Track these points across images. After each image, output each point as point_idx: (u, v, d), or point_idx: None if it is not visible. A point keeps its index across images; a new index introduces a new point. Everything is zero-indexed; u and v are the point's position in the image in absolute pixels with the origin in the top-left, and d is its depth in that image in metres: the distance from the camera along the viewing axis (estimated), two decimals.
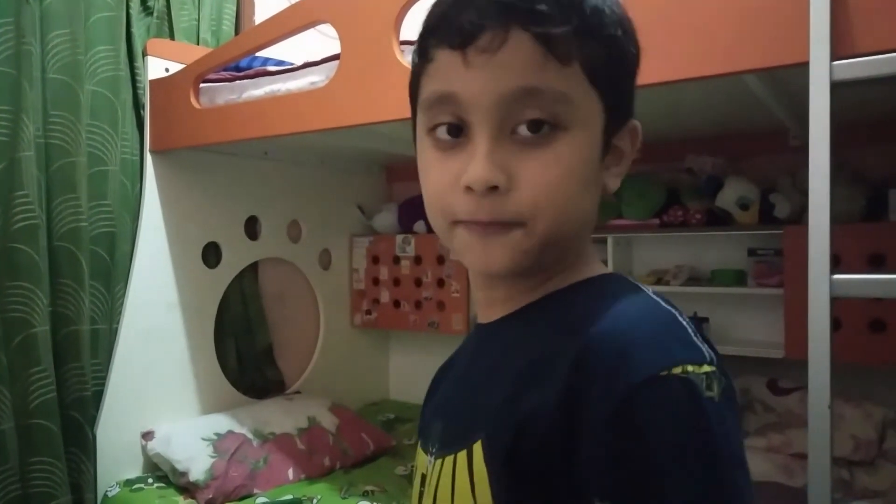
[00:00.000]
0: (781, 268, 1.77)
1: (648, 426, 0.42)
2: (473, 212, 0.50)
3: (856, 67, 0.92)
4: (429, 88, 0.52)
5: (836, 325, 1.63)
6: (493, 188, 0.49)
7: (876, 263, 1.61)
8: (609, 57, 0.51)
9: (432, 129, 0.53)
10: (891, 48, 0.93)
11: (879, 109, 1.62)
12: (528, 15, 0.48)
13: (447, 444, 0.55)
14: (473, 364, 0.60)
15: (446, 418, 0.58)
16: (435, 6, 0.53)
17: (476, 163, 0.49)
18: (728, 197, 1.83)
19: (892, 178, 1.70)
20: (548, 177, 0.49)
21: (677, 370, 0.43)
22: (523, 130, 0.49)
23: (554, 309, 0.54)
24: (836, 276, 0.90)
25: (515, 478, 0.47)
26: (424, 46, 0.53)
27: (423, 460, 0.60)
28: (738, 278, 1.93)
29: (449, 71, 0.50)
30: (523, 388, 0.49)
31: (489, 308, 0.59)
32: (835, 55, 0.93)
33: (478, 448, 0.50)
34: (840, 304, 1.63)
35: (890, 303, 1.60)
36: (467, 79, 0.49)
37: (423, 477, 0.59)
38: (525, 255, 0.51)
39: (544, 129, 0.49)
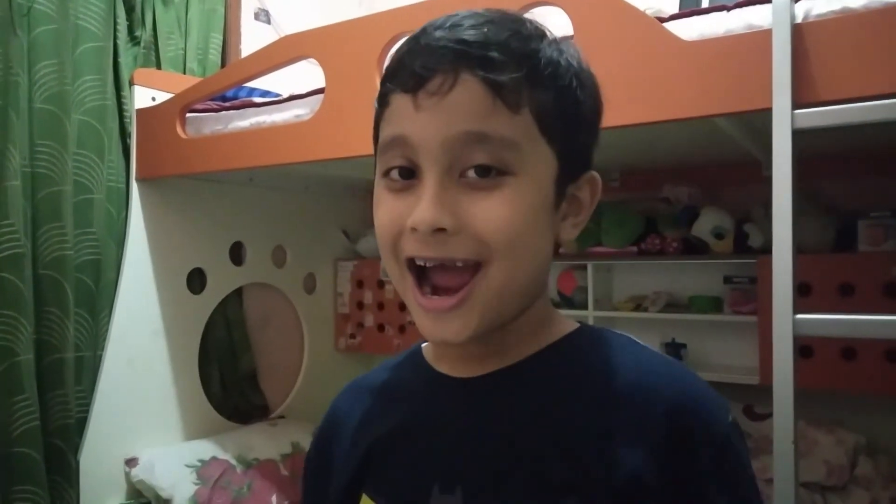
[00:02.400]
0: (756, 295, 1.81)
1: (740, 461, 0.53)
2: (420, 250, 0.51)
3: (816, 116, 0.97)
4: (384, 132, 0.54)
5: (808, 352, 1.68)
6: (440, 230, 0.50)
7: (846, 293, 1.65)
8: (561, 106, 0.53)
9: (386, 174, 0.54)
10: (851, 97, 0.97)
11: (850, 142, 1.67)
12: (478, 60, 0.50)
13: None
14: (481, 420, 0.56)
15: (469, 483, 0.54)
16: (395, 53, 0.55)
17: (422, 204, 0.50)
18: (703, 226, 1.88)
19: (862, 210, 1.75)
20: (496, 217, 0.50)
21: (731, 417, 0.55)
22: (471, 174, 0.51)
23: (567, 366, 0.56)
24: (799, 316, 0.94)
25: None
26: (383, 92, 0.55)
27: None
28: (715, 305, 1.97)
29: (401, 114, 0.52)
30: (611, 450, 0.50)
31: (461, 362, 0.59)
32: (797, 103, 0.98)
33: None
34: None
35: None
36: (417, 121, 0.51)
37: None
38: (480, 321, 0.52)
39: (492, 173, 0.51)
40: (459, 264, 0.52)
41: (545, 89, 0.52)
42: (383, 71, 0.56)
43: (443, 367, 0.61)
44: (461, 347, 0.58)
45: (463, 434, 0.56)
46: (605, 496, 0.50)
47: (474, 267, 0.52)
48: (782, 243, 0.94)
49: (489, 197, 0.51)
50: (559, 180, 0.54)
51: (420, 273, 0.53)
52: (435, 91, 0.50)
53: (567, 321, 0.60)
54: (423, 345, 0.65)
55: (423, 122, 0.51)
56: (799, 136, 0.97)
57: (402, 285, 0.55)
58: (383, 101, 0.55)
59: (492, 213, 0.50)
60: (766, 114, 1.01)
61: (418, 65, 0.51)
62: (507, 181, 0.51)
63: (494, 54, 0.50)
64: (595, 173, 0.58)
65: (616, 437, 0.51)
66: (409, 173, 0.53)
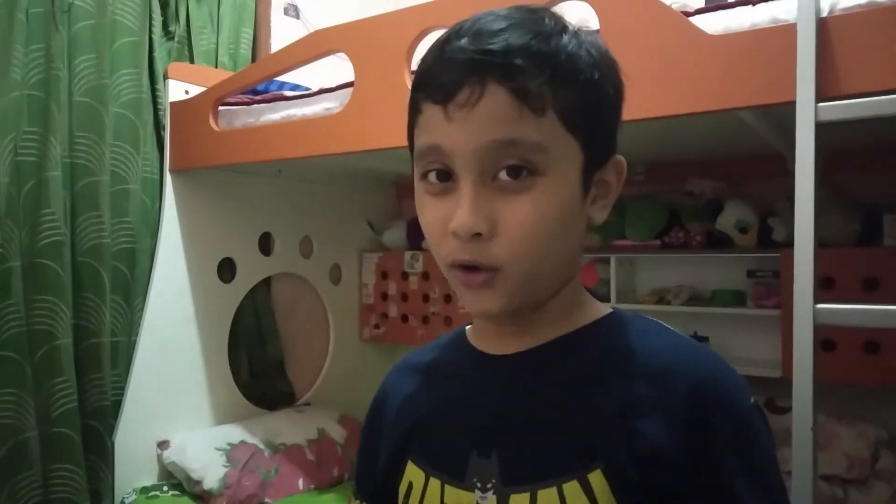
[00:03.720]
0: (779, 289, 1.82)
1: (761, 442, 0.56)
2: (459, 253, 0.55)
3: (840, 109, 0.98)
4: (419, 140, 0.57)
5: (830, 346, 1.69)
6: (477, 234, 0.54)
7: (870, 287, 1.65)
8: (584, 102, 0.55)
9: (424, 176, 0.57)
10: (875, 90, 0.99)
11: (876, 137, 1.67)
12: (503, 70, 0.52)
13: (528, 478, 0.55)
14: (516, 391, 0.60)
15: (504, 448, 0.57)
16: (422, 63, 0.58)
17: (461, 211, 0.53)
18: (727, 220, 1.88)
19: (888, 204, 1.75)
20: (525, 221, 0.54)
21: (754, 399, 0.57)
22: (503, 176, 0.53)
23: (598, 345, 0.60)
24: (820, 306, 0.95)
25: (646, 496, 0.53)
26: (415, 100, 0.57)
27: (460, 497, 0.58)
28: (738, 299, 1.98)
29: (434, 124, 0.55)
30: (635, 422, 0.54)
31: (499, 340, 0.62)
32: (820, 96, 0.99)
33: (596, 478, 0.53)
34: (835, 327, 1.69)
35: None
36: (449, 132, 0.54)
37: None
38: (509, 299, 0.56)
39: (523, 174, 0.53)
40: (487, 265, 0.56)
41: (568, 87, 0.54)
42: (413, 78, 0.59)
43: (482, 346, 0.64)
44: (499, 325, 0.62)
45: (498, 405, 0.60)
46: (627, 464, 0.53)
47: (498, 267, 0.56)
48: (804, 232, 0.95)
49: (520, 199, 0.54)
50: (586, 170, 0.57)
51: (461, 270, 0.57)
52: (464, 103, 0.53)
53: (600, 305, 0.63)
54: (468, 327, 0.68)
55: (455, 133, 0.54)
56: (822, 128, 0.99)
57: (450, 275, 0.58)
58: (415, 108, 0.58)
59: (521, 215, 0.54)
60: (789, 107, 1.03)
61: (446, 78, 0.54)
62: (537, 182, 0.54)
63: (518, 61, 0.52)
64: (620, 157, 0.61)
65: (639, 411, 0.54)
66: (446, 175, 0.56)
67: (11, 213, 1.65)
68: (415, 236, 2.52)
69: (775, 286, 1.87)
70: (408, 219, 2.61)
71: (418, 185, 0.59)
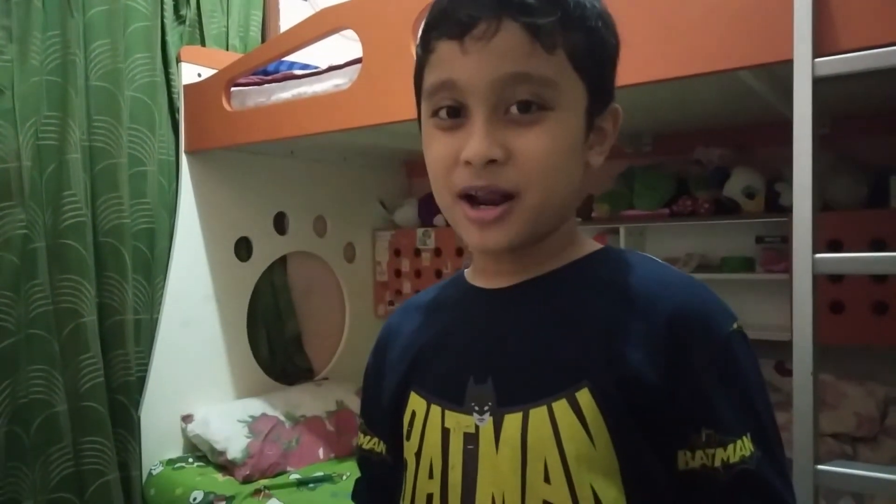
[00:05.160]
0: (787, 254, 1.83)
1: (741, 365, 0.58)
2: (472, 180, 0.57)
3: (836, 64, 1.00)
4: (431, 77, 0.60)
5: (839, 308, 1.71)
6: (491, 161, 0.56)
7: (877, 248, 1.67)
8: (590, 45, 0.58)
9: (435, 114, 0.60)
10: (872, 45, 1.00)
11: (881, 101, 1.68)
12: (518, 6, 0.55)
13: (521, 398, 0.58)
14: (509, 321, 0.63)
15: (499, 373, 0.60)
16: (435, 4, 0.60)
17: (474, 139, 0.56)
18: (735, 186, 1.90)
19: (895, 167, 1.76)
20: (538, 151, 0.57)
21: (737, 325, 0.59)
22: (514, 110, 0.56)
23: (587, 277, 0.62)
24: (819, 256, 0.98)
25: (630, 414, 0.56)
26: (427, 40, 0.60)
27: (459, 420, 0.61)
28: (747, 265, 1.99)
29: (448, 59, 0.58)
30: (617, 346, 0.57)
31: (496, 276, 0.65)
32: (817, 52, 1.01)
33: (583, 396, 0.56)
34: (843, 288, 1.71)
35: (892, 285, 1.67)
36: (465, 65, 0.56)
37: (468, 436, 0.60)
38: (517, 234, 0.59)
39: (533, 109, 0.56)
40: (504, 190, 0.58)
41: (576, 30, 0.57)
42: (425, 20, 0.61)
43: (479, 283, 0.68)
44: (498, 262, 0.65)
45: (493, 334, 0.63)
46: (611, 383, 0.56)
47: (516, 195, 0.58)
48: (802, 182, 0.98)
49: (531, 131, 0.57)
50: (589, 112, 0.61)
51: (470, 201, 0.60)
52: (480, 36, 0.56)
53: (593, 242, 0.67)
54: (466, 270, 0.72)
55: (471, 66, 0.56)
56: (820, 84, 1.01)
57: (452, 211, 0.61)
58: (427, 48, 0.60)
59: (533, 145, 0.57)
60: (791, 67, 1.04)
61: (464, 14, 0.56)
62: (546, 116, 0.57)
63: (531, 0, 0.55)
64: (617, 105, 0.64)
65: (621, 336, 0.57)
66: (456, 112, 0.58)
67: (35, 196, 1.70)
68: (426, 214, 2.56)
69: (783, 251, 1.88)
70: (419, 197, 2.64)
71: (427, 123, 0.61)
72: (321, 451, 1.95)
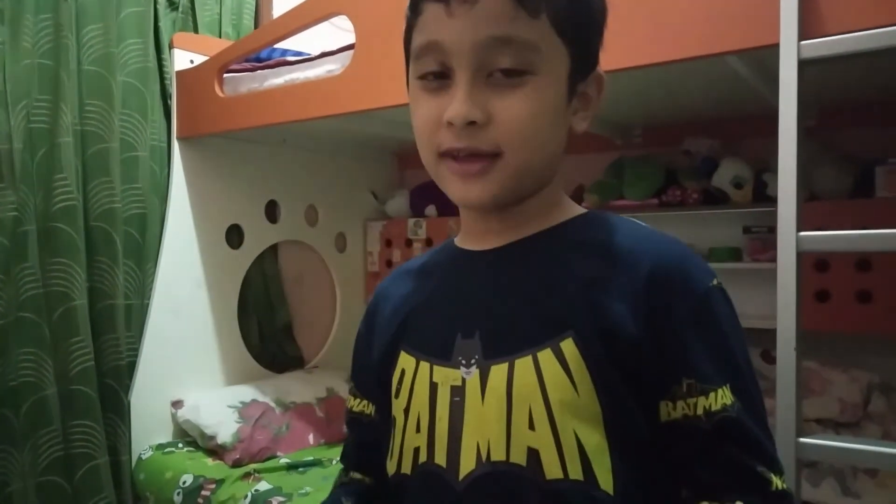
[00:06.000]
0: (774, 243, 1.85)
1: (719, 318, 0.60)
2: (454, 141, 0.59)
3: (821, 46, 1.02)
4: (418, 39, 0.61)
5: (825, 296, 1.73)
6: (472, 123, 0.58)
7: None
8: (574, 12, 0.60)
9: (421, 76, 0.62)
10: (857, 29, 1.02)
11: (866, 92, 1.71)
12: None
13: (507, 350, 0.60)
14: (495, 279, 0.65)
15: (485, 328, 0.62)
16: None
17: (456, 101, 0.58)
18: (723, 176, 1.92)
19: (881, 157, 1.78)
20: (519, 114, 0.58)
21: (716, 281, 0.61)
22: (498, 74, 0.58)
23: (571, 238, 0.64)
24: (803, 233, 1.00)
25: (613, 364, 0.58)
26: (415, 2, 0.62)
27: (447, 374, 0.63)
28: (735, 255, 2.01)
29: (434, 21, 0.59)
30: (599, 300, 0.59)
31: (483, 238, 0.67)
32: (803, 36, 1.03)
33: (567, 346, 0.58)
34: (829, 277, 1.74)
35: (876, 274, 1.69)
36: (450, 27, 0.58)
37: (455, 388, 0.62)
38: (500, 189, 0.60)
39: (515, 73, 0.58)
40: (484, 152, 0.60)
41: None
42: None
43: (467, 246, 0.70)
44: (483, 221, 0.67)
45: (479, 293, 0.65)
46: (594, 335, 0.58)
47: (497, 154, 0.60)
48: (787, 161, 1.00)
49: (513, 94, 0.58)
50: (572, 78, 0.62)
51: (453, 158, 0.61)
52: (465, 0, 0.57)
53: (578, 206, 0.68)
54: (455, 237, 0.73)
55: (456, 28, 0.58)
56: (805, 66, 1.03)
57: (437, 168, 0.63)
58: (415, 10, 0.62)
59: (515, 108, 0.58)
60: (778, 53, 1.06)
61: None
62: (528, 80, 0.58)
63: None
64: (601, 71, 0.66)
65: (602, 289, 0.59)
66: (442, 74, 0.60)
67: (26, 179, 1.70)
68: (417, 204, 2.57)
69: (770, 240, 1.90)
70: (410, 188, 2.65)
71: (414, 84, 0.63)
72: (311, 437, 1.96)
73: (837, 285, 1.72)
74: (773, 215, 1.83)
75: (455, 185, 0.62)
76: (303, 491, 1.60)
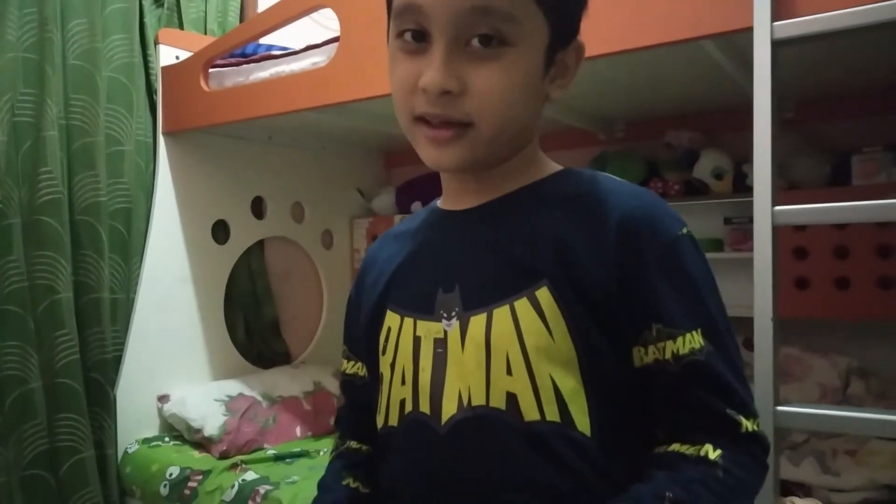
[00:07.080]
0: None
1: (688, 265, 0.61)
2: (428, 107, 0.60)
3: (795, 27, 1.05)
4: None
5: (804, 283, 1.76)
6: (447, 92, 0.59)
7: (840, 225, 1.73)
8: None
9: (400, 35, 0.62)
10: (829, 9, 1.05)
11: (844, 86, 1.75)
12: None
13: (485, 301, 0.62)
14: (473, 236, 0.66)
15: (465, 281, 0.64)
16: None
17: (432, 69, 0.59)
18: (704, 168, 1.96)
19: (856, 148, 1.82)
20: (494, 87, 0.59)
21: (685, 230, 0.63)
22: (475, 43, 0.59)
23: (546, 194, 0.66)
24: (779, 208, 1.02)
25: (586, 311, 0.59)
26: None
27: (429, 328, 0.65)
28: (716, 246, 2.04)
29: None
30: (572, 249, 0.60)
31: (462, 198, 0.69)
32: (777, 17, 1.06)
33: (543, 294, 0.60)
34: (808, 265, 1.77)
35: (854, 262, 1.73)
36: None
37: (437, 340, 0.64)
38: (471, 155, 0.62)
39: (493, 43, 0.59)
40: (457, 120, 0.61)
41: None
42: None
43: (447, 207, 0.72)
44: (461, 182, 0.69)
45: (459, 249, 0.68)
46: (567, 285, 0.60)
47: (469, 124, 0.61)
48: (762, 137, 1.02)
49: (489, 66, 0.59)
50: (550, 48, 0.63)
51: (427, 123, 0.63)
52: None
53: (554, 164, 0.70)
54: (438, 200, 0.75)
55: None
56: (779, 47, 1.05)
57: (412, 131, 0.64)
58: None
59: (490, 81, 0.59)
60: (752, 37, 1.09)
61: None
62: (506, 51, 0.59)
63: None
64: (581, 40, 0.67)
65: (576, 240, 0.61)
66: (421, 36, 0.61)
67: (10, 172, 1.70)
68: (403, 202, 2.58)
69: (750, 230, 1.93)
70: (396, 185, 2.66)
71: (392, 44, 0.64)
72: (298, 430, 1.96)
73: (816, 273, 1.75)
74: (752, 206, 1.88)
75: (428, 150, 0.63)
76: (290, 480, 1.60)
